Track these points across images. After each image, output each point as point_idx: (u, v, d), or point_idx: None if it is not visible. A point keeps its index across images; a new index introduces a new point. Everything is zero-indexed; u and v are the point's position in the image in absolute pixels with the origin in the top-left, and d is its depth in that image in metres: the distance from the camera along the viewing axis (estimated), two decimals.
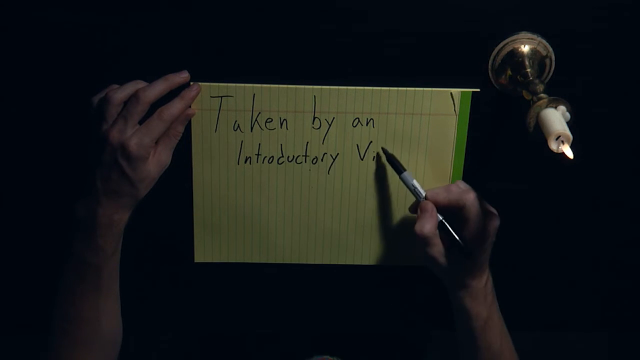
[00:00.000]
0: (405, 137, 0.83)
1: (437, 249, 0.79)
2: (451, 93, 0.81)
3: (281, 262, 0.89)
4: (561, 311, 0.95)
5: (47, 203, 0.85)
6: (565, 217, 0.89)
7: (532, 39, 0.78)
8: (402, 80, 0.80)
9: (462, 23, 0.78)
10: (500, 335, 0.83)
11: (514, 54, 0.78)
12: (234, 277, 0.89)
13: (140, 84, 0.76)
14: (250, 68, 0.79)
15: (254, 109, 0.81)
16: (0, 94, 0.80)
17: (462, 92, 0.81)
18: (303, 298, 0.92)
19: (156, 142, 0.77)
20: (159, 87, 0.75)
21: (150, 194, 0.78)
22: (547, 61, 0.78)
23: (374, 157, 0.84)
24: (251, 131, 0.82)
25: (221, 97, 0.80)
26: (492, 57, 0.79)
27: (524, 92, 0.75)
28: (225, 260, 0.88)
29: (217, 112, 0.80)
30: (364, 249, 0.88)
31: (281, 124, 0.82)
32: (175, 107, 0.76)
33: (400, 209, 0.86)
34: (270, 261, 0.89)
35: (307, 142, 0.83)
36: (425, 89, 0.81)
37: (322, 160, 0.84)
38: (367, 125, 0.82)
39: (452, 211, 0.80)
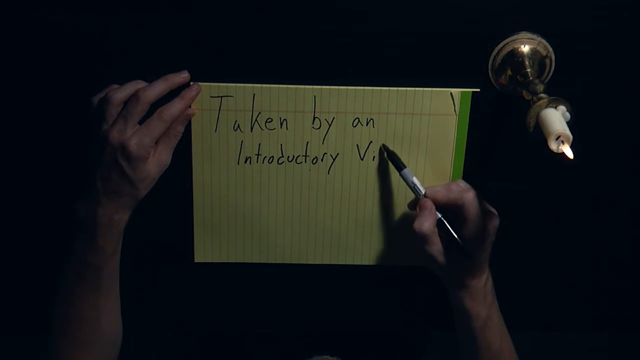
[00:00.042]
0: (405, 137, 0.83)
1: (436, 247, 0.79)
2: (451, 93, 0.81)
3: (281, 262, 0.89)
4: (561, 311, 0.95)
5: (47, 203, 0.85)
6: (565, 217, 0.89)
7: (532, 39, 0.78)
8: (402, 80, 0.80)
9: (462, 23, 0.78)
10: (500, 335, 0.83)
11: (514, 54, 0.78)
12: (234, 277, 0.89)
13: (140, 84, 0.76)
14: (250, 68, 0.79)
15: (254, 109, 0.81)
16: (0, 94, 0.80)
17: (462, 92, 0.81)
18: (303, 298, 0.92)
19: (156, 142, 0.77)
20: (159, 87, 0.75)
21: (150, 194, 0.78)
22: (547, 61, 0.78)
23: (374, 157, 0.84)
24: (251, 131, 0.82)
25: (221, 97, 0.80)
26: (492, 57, 0.79)
27: (524, 92, 0.75)
28: (225, 260, 0.88)
29: (217, 112, 0.80)
30: (364, 249, 0.88)
31: (281, 124, 0.82)
32: (175, 107, 0.76)
33: (400, 209, 0.86)
34: (270, 261, 0.89)
35: (307, 142, 0.83)
36: (425, 89, 0.81)
37: (322, 160, 0.84)
38: (367, 125, 0.82)
39: (451, 210, 0.80)
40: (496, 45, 0.78)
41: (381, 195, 0.85)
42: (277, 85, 0.80)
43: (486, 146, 0.84)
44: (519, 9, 0.77)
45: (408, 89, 0.80)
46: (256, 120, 0.81)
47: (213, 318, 0.93)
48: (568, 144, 0.67)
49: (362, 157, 0.84)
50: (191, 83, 0.78)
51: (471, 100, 0.81)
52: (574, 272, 0.92)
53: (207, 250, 0.88)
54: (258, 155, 0.83)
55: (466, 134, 0.83)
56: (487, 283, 0.81)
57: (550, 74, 0.79)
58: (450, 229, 0.79)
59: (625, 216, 0.89)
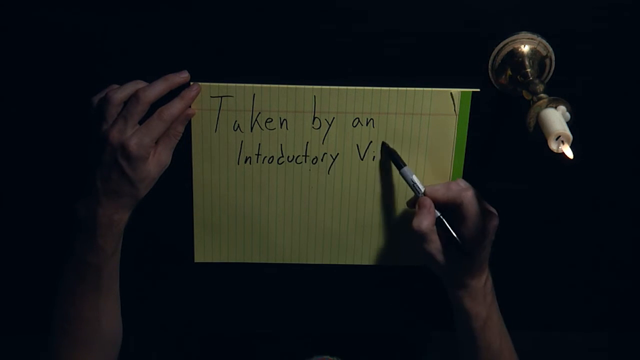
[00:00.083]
0: (405, 137, 0.83)
1: (434, 246, 0.79)
2: (451, 93, 0.81)
3: (281, 262, 0.89)
4: (561, 311, 0.95)
5: (48, 203, 0.85)
6: (565, 217, 0.89)
7: (532, 39, 0.78)
8: (402, 80, 0.80)
9: (462, 23, 0.78)
10: (500, 335, 0.83)
11: (514, 54, 0.78)
12: (234, 277, 0.89)
13: (140, 84, 0.76)
14: (250, 68, 0.79)
15: (254, 109, 0.81)
16: (0, 94, 0.80)
17: (462, 92, 0.81)
18: (303, 298, 0.92)
19: (156, 142, 0.77)
20: (159, 87, 0.75)
21: (150, 194, 0.78)
22: (547, 61, 0.78)
23: (374, 157, 0.84)
24: (251, 131, 0.82)
25: (221, 97, 0.80)
26: (492, 57, 0.79)
27: (524, 92, 0.75)
28: (225, 260, 0.88)
29: (217, 112, 0.80)
30: (364, 249, 0.88)
31: (281, 124, 0.82)
32: (175, 107, 0.76)
33: (400, 209, 0.86)
34: (270, 261, 0.89)
35: (307, 142, 0.83)
36: (425, 89, 0.81)
37: (322, 160, 0.84)
38: (367, 125, 0.82)
39: (450, 208, 0.80)
40: (496, 45, 0.78)
41: (381, 196, 0.85)
42: (277, 85, 0.80)
43: (486, 146, 0.84)
44: (519, 9, 0.77)
45: (408, 89, 0.80)
46: (256, 120, 0.81)
47: (213, 318, 0.93)
48: (568, 144, 0.67)
49: (362, 157, 0.84)
50: (191, 83, 0.78)
51: (471, 100, 0.81)
52: (574, 272, 0.92)
53: (207, 250, 0.88)
54: (258, 155, 0.83)
55: (466, 134, 0.83)
56: (486, 283, 0.81)
57: (550, 74, 0.79)
58: (449, 227, 0.79)
59: (625, 216, 0.89)
